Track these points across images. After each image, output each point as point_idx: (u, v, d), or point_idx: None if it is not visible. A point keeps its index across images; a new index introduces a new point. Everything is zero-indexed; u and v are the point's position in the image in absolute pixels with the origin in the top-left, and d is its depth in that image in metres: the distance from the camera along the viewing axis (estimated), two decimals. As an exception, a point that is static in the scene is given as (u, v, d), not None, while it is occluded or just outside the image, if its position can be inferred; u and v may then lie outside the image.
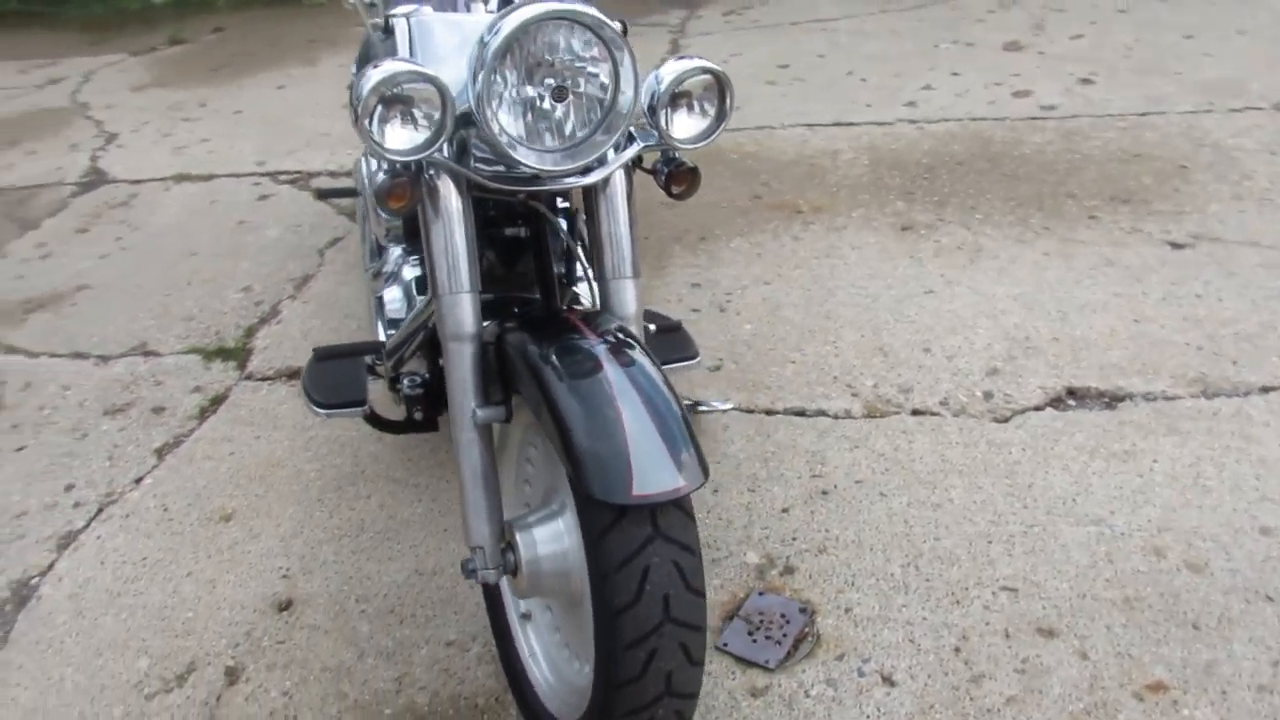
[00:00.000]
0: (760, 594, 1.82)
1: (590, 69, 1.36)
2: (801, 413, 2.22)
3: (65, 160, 4.00)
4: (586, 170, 1.45)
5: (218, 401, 2.46)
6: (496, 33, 1.28)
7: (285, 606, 1.89)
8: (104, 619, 1.90)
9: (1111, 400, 2.14)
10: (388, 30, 1.46)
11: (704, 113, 1.48)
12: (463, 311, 1.43)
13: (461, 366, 1.44)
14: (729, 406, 2.25)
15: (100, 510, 2.17)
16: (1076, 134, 3.22)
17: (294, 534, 2.05)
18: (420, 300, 1.98)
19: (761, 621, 1.74)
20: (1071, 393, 2.18)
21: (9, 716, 1.73)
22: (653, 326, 2.00)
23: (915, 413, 2.17)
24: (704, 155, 3.12)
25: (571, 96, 1.37)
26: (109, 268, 3.15)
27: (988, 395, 2.19)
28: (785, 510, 1.97)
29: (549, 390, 1.31)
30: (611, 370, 1.32)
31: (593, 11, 1.31)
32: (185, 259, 3.13)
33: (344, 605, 1.87)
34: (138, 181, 3.74)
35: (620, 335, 1.43)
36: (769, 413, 2.23)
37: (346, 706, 1.69)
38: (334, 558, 1.98)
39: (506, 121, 1.33)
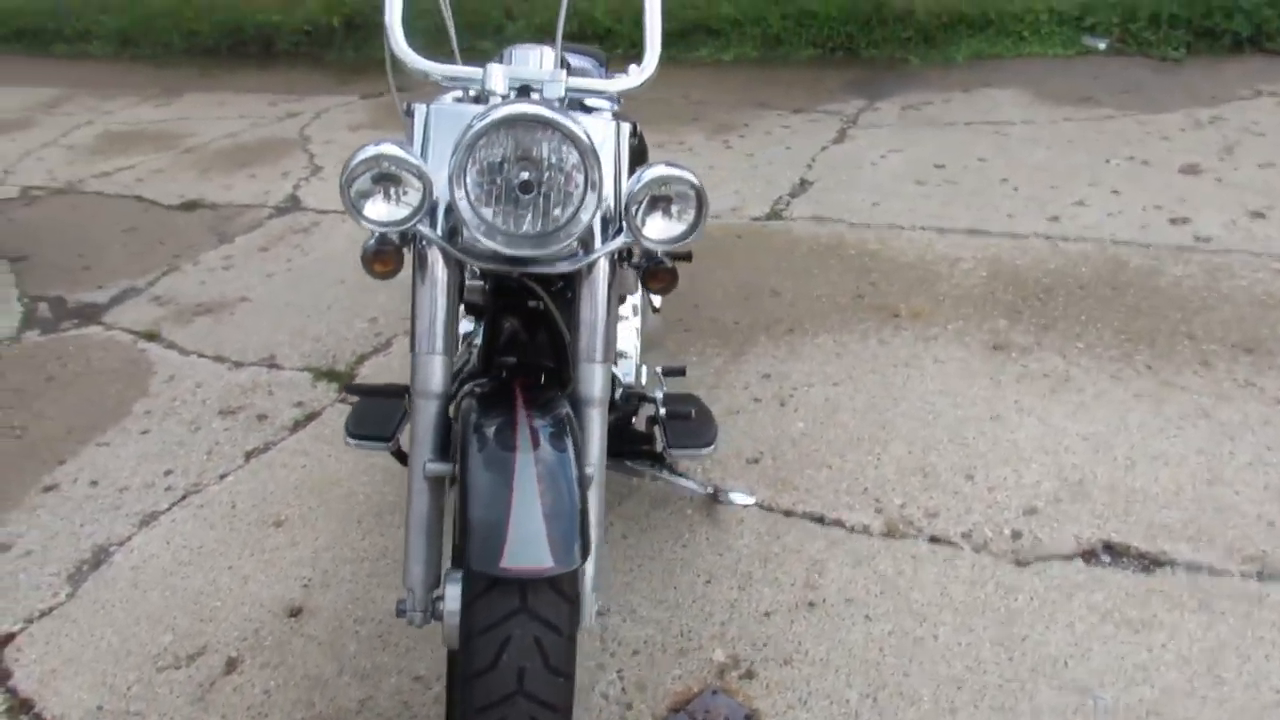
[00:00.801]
0: (714, 693, 1.83)
1: (560, 169, 1.47)
2: (820, 519, 2.20)
3: (274, 186, 4.53)
4: (566, 258, 1.56)
5: (311, 418, 2.73)
6: (471, 127, 1.42)
7: (295, 613, 2.08)
8: (151, 593, 2.17)
9: (1150, 564, 1.99)
10: (409, 114, 1.64)
11: (681, 218, 1.54)
12: (431, 371, 1.57)
13: (422, 421, 1.57)
14: (750, 502, 2.26)
15: (184, 497, 2.47)
16: (1222, 270, 2.99)
17: (326, 548, 2.25)
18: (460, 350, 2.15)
19: (705, 720, 1.76)
20: (1108, 547, 2.04)
21: (50, 657, 2.01)
22: (663, 410, 2.07)
23: (933, 539, 2.10)
24: (822, 248, 3.17)
25: (538, 191, 1.47)
26: (271, 285, 3.56)
27: (1016, 535, 2.09)
28: (767, 614, 1.97)
29: (464, 457, 1.43)
30: (522, 450, 1.42)
31: (566, 121, 1.41)
32: (333, 286, 3.48)
33: (343, 622, 2.04)
34: (322, 212, 4.19)
35: (555, 418, 1.52)
36: (787, 513, 2.22)
37: (311, 715, 1.84)
38: (350, 577, 2.16)
39: (479, 207, 1.46)
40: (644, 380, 2.23)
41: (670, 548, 2.16)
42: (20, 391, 3.00)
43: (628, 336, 2.30)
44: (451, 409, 1.60)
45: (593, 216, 1.48)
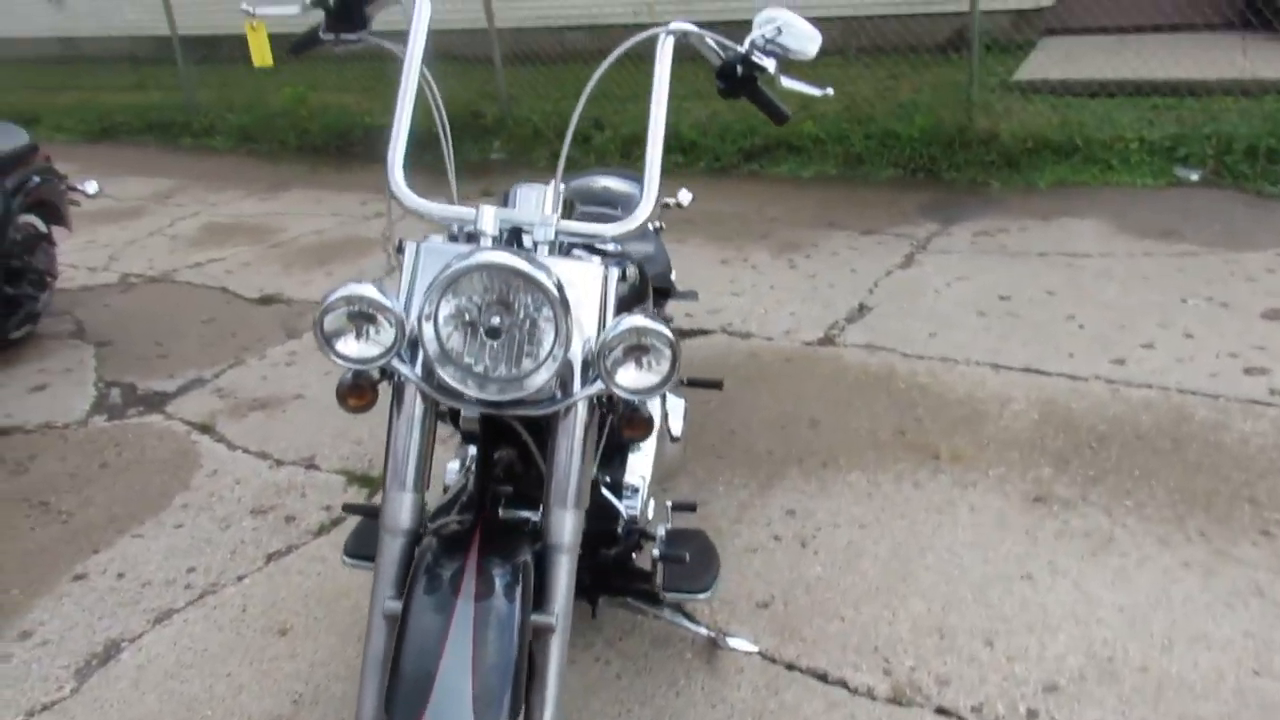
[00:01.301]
0: None
1: (528, 317, 1.47)
2: (823, 677, 2.09)
3: (350, 283, 4.69)
4: (542, 400, 1.55)
5: (335, 523, 2.76)
6: (446, 269, 1.44)
7: (279, 730, 2.07)
8: (149, 696, 2.19)
9: (1176, 762, 1.81)
10: (400, 250, 1.67)
11: (653, 370, 1.52)
12: (400, 508, 1.57)
13: (386, 557, 1.56)
14: (752, 650, 2.17)
15: (200, 596, 2.51)
16: (1297, 431, 2.79)
17: (323, 662, 2.24)
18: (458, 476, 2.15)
19: None
20: (1132, 739, 1.87)
21: (38, 757, 2.04)
22: (656, 552, 2.01)
23: (940, 711, 1.97)
24: (871, 378, 3.08)
25: (505, 336, 1.48)
26: (327, 383, 3.65)
27: (1031, 714, 1.94)
28: (751, 778, 1.86)
29: (408, 599, 1.41)
30: (464, 598, 1.40)
31: (535, 272, 1.42)
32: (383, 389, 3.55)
33: (321, 744, 2.02)
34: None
35: (511, 565, 1.49)
36: (790, 667, 2.12)
37: (272, 843, 1.81)
38: (340, 695, 2.14)
39: (448, 349, 1.47)
40: (650, 514, 2.18)
41: (663, 694, 2.08)
42: (75, 476, 3.13)
43: (639, 467, 2.25)
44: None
45: (558, 365, 1.47)
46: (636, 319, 1.50)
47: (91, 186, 4.39)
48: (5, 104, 9.63)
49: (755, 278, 4.35)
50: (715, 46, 1.99)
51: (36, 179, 4.00)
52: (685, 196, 3.22)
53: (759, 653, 2.16)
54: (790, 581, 2.38)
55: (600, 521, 2.10)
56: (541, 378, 1.47)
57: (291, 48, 2.08)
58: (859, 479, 2.78)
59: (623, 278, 1.68)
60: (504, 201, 1.75)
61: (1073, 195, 5.12)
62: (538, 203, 1.73)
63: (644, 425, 1.62)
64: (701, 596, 2.02)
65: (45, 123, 9.05)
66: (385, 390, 1.59)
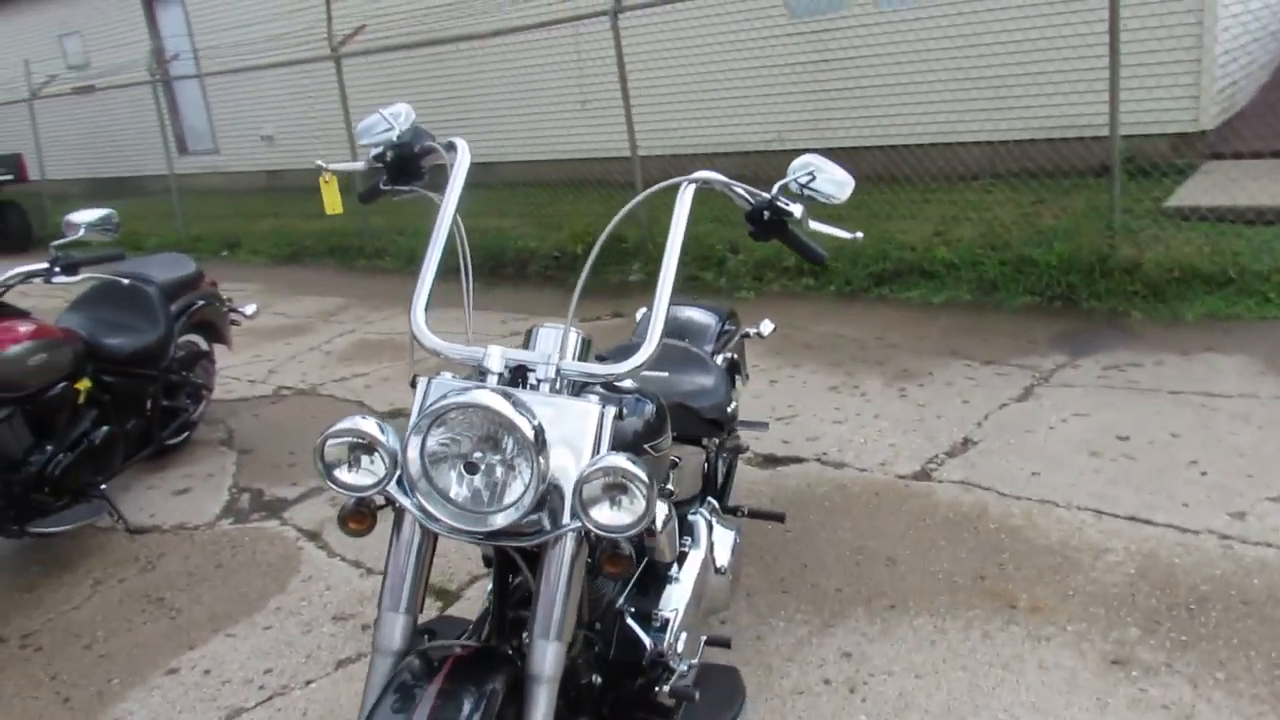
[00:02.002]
0: None
1: (505, 456, 1.55)
2: (845, 838, 1.98)
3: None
4: (531, 533, 1.62)
5: (406, 635, 2.87)
6: (427, 408, 1.55)
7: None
8: (202, 790, 2.32)
9: None
10: (413, 384, 1.80)
11: (628, 510, 1.56)
12: (391, 629, 1.66)
13: (374, 678, 1.64)
14: (775, 800, 2.09)
15: (269, 698, 2.65)
16: None
17: (362, 774, 2.31)
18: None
19: None
20: None
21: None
22: (666, 688, 1.99)
23: None
24: (960, 518, 2.95)
25: (483, 473, 1.56)
26: (429, 497, 3.83)
27: None
28: None
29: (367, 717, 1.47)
30: (413, 724, 1.44)
31: (509, 414, 1.50)
32: (479, 504, 3.70)
33: None
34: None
35: (476, 695, 1.53)
36: (811, 824, 2.03)
37: None
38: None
39: (434, 477, 1.57)
40: (681, 648, 2.16)
41: (678, 839, 2.03)
42: (192, 575, 3.40)
43: (675, 599, 2.25)
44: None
45: (529, 504, 1.54)
46: (614, 458, 1.55)
47: (250, 308, 4.87)
48: (215, 230, 10.83)
49: (861, 405, 4.29)
50: (744, 194, 2.06)
51: (200, 302, 4.48)
52: (766, 327, 3.27)
53: (782, 805, 2.09)
54: (830, 730, 2.29)
55: (626, 652, 2.11)
56: (506, 516, 1.54)
57: (360, 198, 2.30)
58: (925, 624, 2.65)
59: (620, 416, 1.73)
60: (525, 341, 1.86)
61: (1221, 329, 4.80)
62: (554, 342, 1.82)
63: (623, 562, 1.65)
64: (711, 738, 1.98)
65: (244, 246, 10.10)
66: (386, 517, 1.70)
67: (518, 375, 1.75)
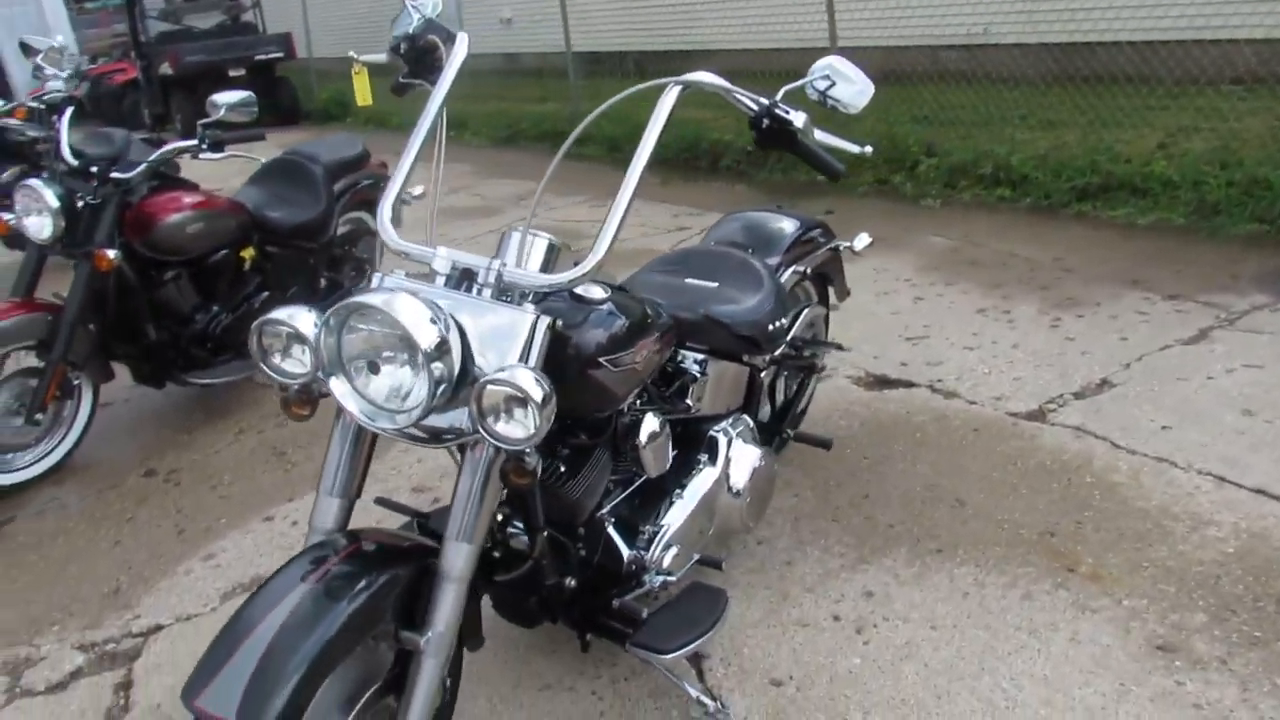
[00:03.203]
0: None
1: (403, 358, 1.57)
2: (787, 776, 1.93)
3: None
4: (441, 437, 1.66)
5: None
6: (333, 308, 1.59)
7: None
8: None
9: None
10: (370, 281, 1.84)
11: (521, 425, 1.54)
12: (325, 510, 1.76)
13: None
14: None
15: (334, 554, 2.88)
16: None
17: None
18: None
19: None
20: None
21: (163, 663, 2.50)
22: (616, 602, 1.98)
23: None
24: (1057, 466, 2.73)
25: (386, 373, 1.59)
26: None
27: None
28: None
29: (271, 576, 1.58)
30: (293, 594, 1.52)
31: (397, 316, 1.51)
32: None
33: None
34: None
35: (371, 576, 1.58)
36: (760, 756, 1.99)
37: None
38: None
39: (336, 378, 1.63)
40: (667, 563, 2.15)
41: (630, 746, 2.06)
42: (314, 434, 3.71)
43: (671, 515, 2.22)
44: None
45: (427, 405, 1.55)
46: (509, 371, 1.53)
47: (417, 190, 5.12)
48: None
49: (1003, 332, 3.94)
50: (744, 100, 1.92)
51: (366, 182, 4.75)
52: (862, 242, 3.07)
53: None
54: (819, 667, 2.21)
55: (606, 559, 2.13)
56: (405, 417, 1.57)
57: (392, 89, 2.34)
58: (965, 575, 2.47)
59: (555, 326, 1.68)
60: (498, 245, 1.85)
61: None
62: (515, 248, 1.79)
63: (526, 475, 1.63)
64: (661, 657, 1.96)
65: (468, 128, 10.53)
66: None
67: (466, 277, 1.74)
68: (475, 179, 8.21)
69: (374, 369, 1.61)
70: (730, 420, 2.49)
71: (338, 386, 1.63)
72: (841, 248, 3.05)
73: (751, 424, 2.55)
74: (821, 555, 2.62)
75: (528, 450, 1.62)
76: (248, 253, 4.16)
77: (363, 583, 1.60)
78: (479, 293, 1.70)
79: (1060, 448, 3.02)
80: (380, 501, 2.30)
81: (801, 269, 2.81)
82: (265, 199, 4.31)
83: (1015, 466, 2.94)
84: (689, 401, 2.37)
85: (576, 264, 1.72)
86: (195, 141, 3.59)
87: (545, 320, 1.67)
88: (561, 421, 1.94)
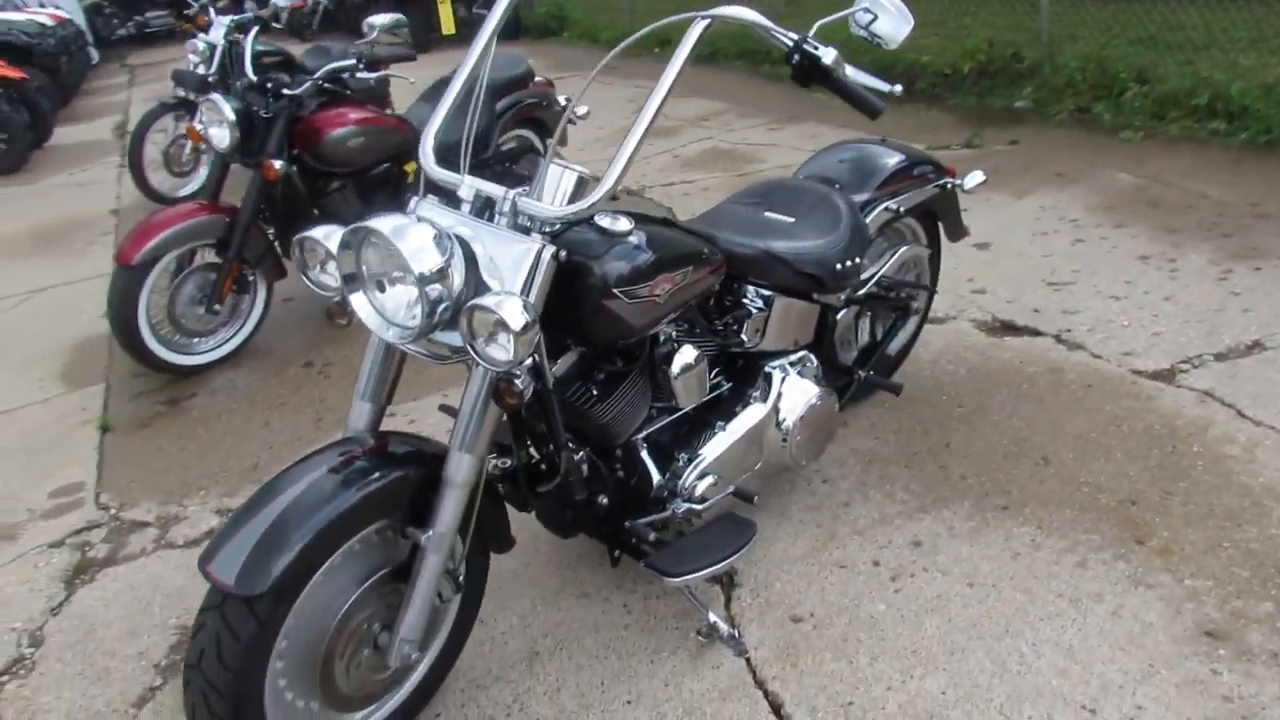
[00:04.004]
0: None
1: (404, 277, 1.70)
2: (778, 709, 1.99)
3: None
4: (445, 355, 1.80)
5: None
6: (349, 229, 1.73)
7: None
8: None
9: None
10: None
11: (505, 349, 1.65)
12: (358, 413, 1.94)
13: (340, 447, 1.95)
14: (741, 655, 2.12)
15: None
16: None
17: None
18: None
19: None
20: None
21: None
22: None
23: (841, 789, 1.78)
24: (1166, 431, 2.74)
25: (392, 292, 1.73)
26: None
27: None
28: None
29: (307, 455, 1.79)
30: (305, 479, 1.71)
31: (396, 242, 1.64)
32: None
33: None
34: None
35: (384, 471, 1.75)
36: (758, 684, 2.05)
37: None
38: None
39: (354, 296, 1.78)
40: (700, 490, 2.21)
41: (640, 656, 2.17)
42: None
43: (708, 444, 2.27)
44: None
45: (422, 324, 1.68)
46: (498, 298, 1.63)
47: (582, 110, 5.24)
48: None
49: (1159, 283, 3.62)
50: (777, 34, 1.89)
51: (530, 100, 4.92)
52: (973, 180, 2.91)
53: (746, 659, 2.12)
54: (842, 609, 2.22)
55: (636, 480, 2.22)
56: (401, 334, 1.70)
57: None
58: (1024, 535, 2.37)
59: (558, 257, 1.75)
60: (529, 178, 1.94)
61: None
62: (552, 182, 1.87)
63: (514, 396, 1.73)
64: (668, 581, 2.04)
65: (670, 43, 10.49)
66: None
67: (488, 206, 1.85)
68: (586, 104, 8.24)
69: (381, 287, 1.75)
70: (792, 357, 2.49)
71: (356, 300, 1.79)
72: (952, 185, 2.91)
73: (815, 362, 2.54)
74: (882, 500, 2.59)
75: (516, 372, 1.72)
76: (410, 166, 4.44)
77: (376, 475, 1.79)
78: (497, 221, 1.81)
79: (1176, 412, 2.80)
80: (443, 409, 2.49)
81: (895, 206, 2.71)
82: (429, 115, 4.57)
83: (1119, 428, 2.76)
84: (744, 336, 2.39)
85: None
86: (353, 61, 3.87)
87: (549, 250, 1.75)
88: (591, 346, 2.04)
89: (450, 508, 1.83)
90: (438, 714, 2.09)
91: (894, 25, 1.92)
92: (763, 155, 6.10)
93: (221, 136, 3.79)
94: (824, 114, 7.00)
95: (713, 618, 2.20)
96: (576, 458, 2.21)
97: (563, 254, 1.77)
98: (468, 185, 1.85)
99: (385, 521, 1.84)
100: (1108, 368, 3.09)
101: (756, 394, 2.42)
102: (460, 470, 1.82)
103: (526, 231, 1.78)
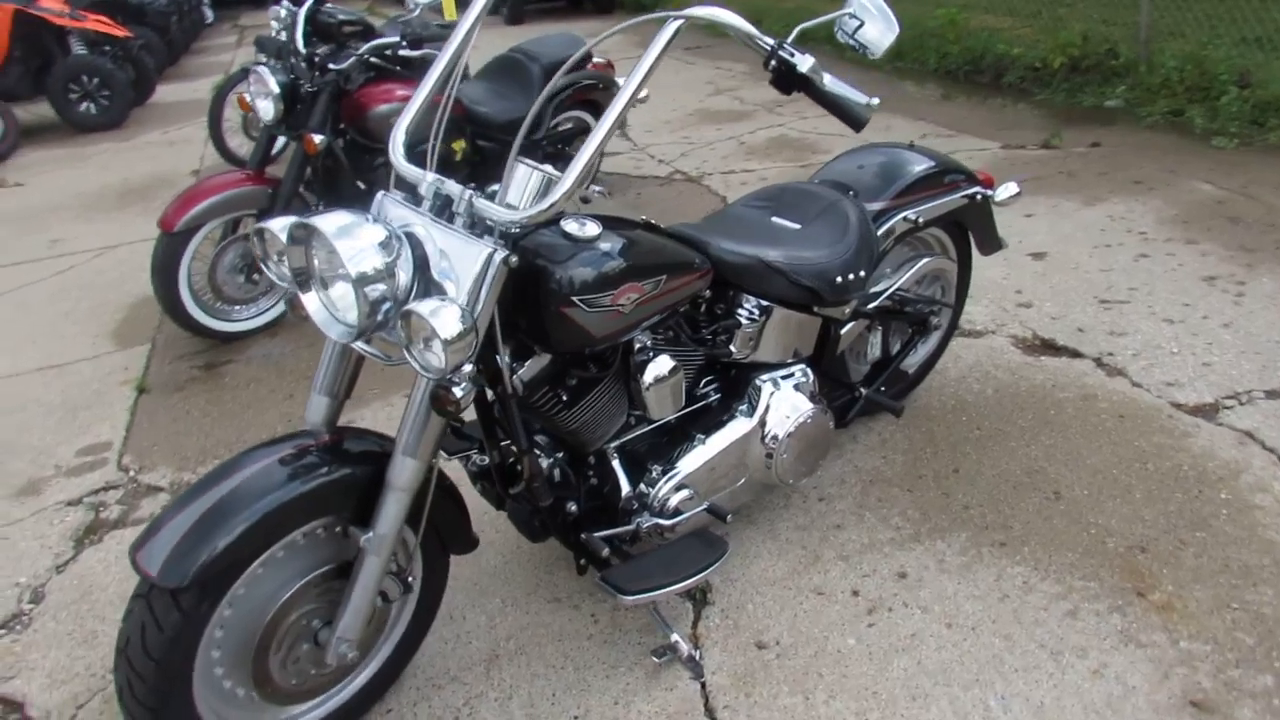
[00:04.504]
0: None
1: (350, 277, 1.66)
2: (723, 737, 1.92)
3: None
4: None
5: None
6: (293, 223, 1.70)
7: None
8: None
9: None
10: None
11: (436, 355, 1.61)
12: (314, 407, 1.93)
13: (293, 441, 1.94)
14: (696, 680, 2.05)
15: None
16: None
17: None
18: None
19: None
20: None
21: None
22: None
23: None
24: (1195, 473, 2.71)
25: (333, 287, 1.70)
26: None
27: None
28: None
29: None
30: (242, 469, 1.71)
31: (331, 239, 1.60)
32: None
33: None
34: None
35: (329, 469, 1.74)
36: (708, 714, 1.98)
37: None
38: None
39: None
40: (673, 503, 2.15)
41: (597, 669, 2.13)
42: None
43: (684, 458, 2.20)
44: None
45: (359, 325, 1.64)
46: (433, 304, 1.59)
47: (642, 92, 5.15)
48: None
49: (1220, 307, 3.37)
50: (756, 40, 1.79)
51: (586, 81, 4.86)
52: (1006, 191, 2.75)
53: (701, 683, 2.05)
54: (810, 639, 2.13)
55: (604, 489, 2.17)
56: (341, 333, 1.67)
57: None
58: (1017, 575, 2.24)
59: (509, 262, 1.70)
60: (501, 174, 1.89)
61: None
62: (519, 181, 1.83)
63: (450, 403, 1.67)
64: (621, 599, 1.98)
65: (764, 22, 10.25)
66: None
67: (447, 204, 1.80)
68: (744, 80, 8.08)
69: (325, 284, 1.73)
70: (785, 370, 2.40)
71: (306, 296, 1.76)
72: (982, 196, 2.74)
73: (812, 376, 2.43)
74: (876, 525, 2.48)
75: (456, 380, 1.67)
76: (458, 144, 4.44)
77: (323, 470, 1.77)
78: (456, 221, 1.76)
79: (1210, 452, 2.60)
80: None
81: (914, 216, 2.57)
82: (480, 94, 4.56)
83: (1143, 466, 2.58)
84: (733, 347, 2.30)
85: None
86: (397, 38, 3.87)
87: (500, 255, 1.69)
88: (554, 352, 1.99)
89: (391, 510, 1.80)
90: (389, 709, 2.08)
91: (879, 33, 1.80)
92: (830, 146, 5.91)
93: (266, 108, 3.83)
94: (901, 105, 6.77)
95: (674, 637, 2.13)
96: (546, 463, 2.17)
97: (513, 259, 1.71)
98: (428, 182, 1.81)
99: (329, 518, 1.83)
100: (1145, 398, 2.90)
101: (743, 407, 2.33)
102: (403, 474, 1.79)
103: (487, 233, 1.74)
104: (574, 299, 1.81)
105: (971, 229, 2.84)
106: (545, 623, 2.28)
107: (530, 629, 2.26)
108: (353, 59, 3.85)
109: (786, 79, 1.79)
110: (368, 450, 1.87)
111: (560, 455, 2.18)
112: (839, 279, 2.33)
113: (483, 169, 4.51)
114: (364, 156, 4.13)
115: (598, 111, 5.12)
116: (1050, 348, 3.26)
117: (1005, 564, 2.29)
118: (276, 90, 3.77)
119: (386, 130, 4.01)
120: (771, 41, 1.77)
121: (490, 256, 1.68)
